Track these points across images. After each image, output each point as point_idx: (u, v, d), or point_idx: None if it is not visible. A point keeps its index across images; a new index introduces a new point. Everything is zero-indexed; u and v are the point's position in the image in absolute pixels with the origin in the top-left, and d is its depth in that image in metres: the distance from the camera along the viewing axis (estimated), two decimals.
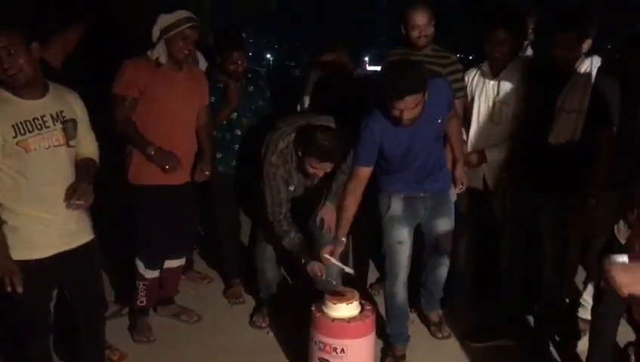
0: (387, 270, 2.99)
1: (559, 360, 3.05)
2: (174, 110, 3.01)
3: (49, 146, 2.23)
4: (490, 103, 3.10)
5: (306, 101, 3.57)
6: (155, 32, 2.95)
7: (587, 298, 3.09)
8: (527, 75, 3.00)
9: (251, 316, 3.44)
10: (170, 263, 3.32)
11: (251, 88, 3.51)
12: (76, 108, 2.37)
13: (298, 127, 2.88)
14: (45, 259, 2.30)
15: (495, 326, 3.19)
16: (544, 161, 2.81)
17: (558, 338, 3.17)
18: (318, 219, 3.11)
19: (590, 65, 2.74)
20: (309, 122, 2.87)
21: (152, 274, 3.20)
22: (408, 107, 2.50)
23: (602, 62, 2.77)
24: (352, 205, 2.74)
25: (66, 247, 2.35)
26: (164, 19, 2.94)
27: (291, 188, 2.99)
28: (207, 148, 3.22)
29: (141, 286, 3.19)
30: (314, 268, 2.89)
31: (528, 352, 3.05)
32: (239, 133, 3.46)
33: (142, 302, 3.22)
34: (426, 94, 2.55)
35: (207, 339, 3.23)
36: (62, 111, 2.29)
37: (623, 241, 2.38)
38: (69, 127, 2.30)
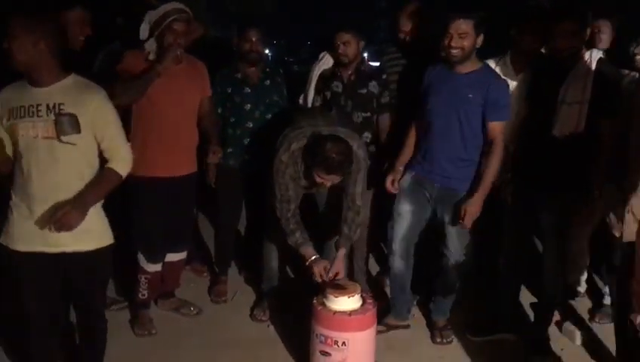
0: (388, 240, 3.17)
1: (560, 354, 3.06)
2: (174, 103, 2.99)
3: (36, 136, 2.17)
4: (514, 101, 3.07)
5: (310, 95, 3.55)
6: (144, 30, 2.93)
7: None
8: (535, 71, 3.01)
9: (252, 309, 3.44)
10: (171, 257, 3.31)
11: (268, 82, 3.49)
12: (91, 106, 2.21)
13: (314, 133, 2.81)
14: (24, 253, 2.26)
15: (496, 320, 3.19)
16: (549, 155, 2.81)
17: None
18: (331, 274, 2.93)
19: (590, 57, 2.74)
20: (323, 130, 2.81)
21: (154, 267, 3.19)
22: (458, 31, 2.76)
23: (603, 53, 2.78)
24: (412, 140, 3.09)
25: (46, 249, 2.25)
26: (151, 16, 2.93)
27: (303, 183, 2.96)
28: (212, 133, 3.21)
29: (143, 279, 3.18)
30: (318, 269, 2.89)
31: (529, 346, 3.05)
32: (251, 125, 3.43)
33: (143, 295, 3.22)
34: (479, 38, 2.81)
35: (208, 333, 3.22)
36: (61, 104, 2.17)
37: (617, 234, 2.38)
38: (63, 121, 2.16)
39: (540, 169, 2.86)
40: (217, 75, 3.46)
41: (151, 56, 2.94)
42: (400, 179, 3.10)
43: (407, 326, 3.28)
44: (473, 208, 2.86)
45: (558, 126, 2.73)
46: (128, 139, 2.95)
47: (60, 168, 2.21)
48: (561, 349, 3.09)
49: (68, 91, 2.21)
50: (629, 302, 2.33)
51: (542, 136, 2.80)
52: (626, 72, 2.95)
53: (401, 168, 3.11)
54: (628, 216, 2.23)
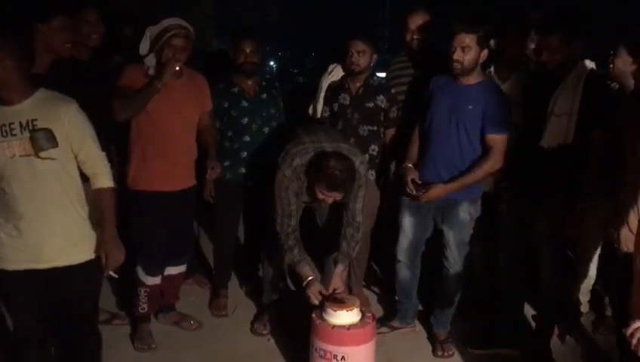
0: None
1: None
2: (173, 118, 3.00)
3: (13, 155, 2.13)
4: None
5: (319, 106, 3.54)
6: (144, 46, 2.94)
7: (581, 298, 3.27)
8: (524, 81, 3.03)
9: (252, 323, 3.43)
10: (170, 270, 3.31)
11: (264, 95, 3.49)
12: (65, 118, 2.18)
13: (317, 149, 2.80)
14: (15, 272, 2.22)
15: (496, 334, 3.17)
16: (538, 166, 2.81)
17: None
18: (330, 289, 2.92)
19: (582, 69, 2.73)
20: (326, 147, 2.80)
21: (153, 280, 3.19)
22: (461, 44, 2.82)
23: (595, 65, 2.78)
24: (416, 145, 3.14)
25: (38, 265, 2.24)
26: (151, 32, 2.94)
27: (304, 199, 2.95)
28: (211, 148, 3.21)
29: (142, 292, 3.19)
30: (313, 292, 2.85)
31: (531, 359, 3.03)
32: (248, 139, 3.43)
33: (143, 308, 3.22)
34: (483, 52, 2.86)
35: (208, 346, 3.22)
36: (34, 120, 2.14)
37: (625, 248, 2.36)
38: (40, 137, 2.13)
39: (532, 179, 2.86)
40: (214, 89, 3.44)
41: (151, 72, 2.95)
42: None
43: (413, 327, 3.38)
44: (434, 191, 2.93)
45: (546, 137, 2.75)
46: (127, 154, 3.00)
47: (42, 184, 2.19)
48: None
49: (39, 106, 2.17)
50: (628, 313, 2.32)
51: (532, 146, 2.80)
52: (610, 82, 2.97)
53: (412, 165, 3.09)
54: (624, 229, 2.22)
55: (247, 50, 3.35)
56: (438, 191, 2.94)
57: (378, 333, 3.07)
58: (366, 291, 3.76)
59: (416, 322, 3.41)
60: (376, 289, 3.84)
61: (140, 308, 3.22)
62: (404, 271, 3.24)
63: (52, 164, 2.19)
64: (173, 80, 2.92)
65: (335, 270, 2.95)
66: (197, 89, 3.16)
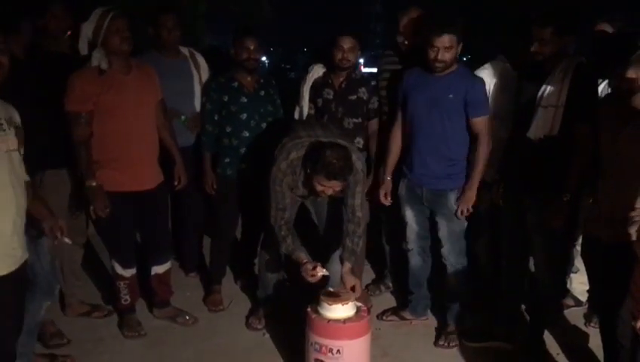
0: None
1: (556, 358, 3.05)
2: (132, 115, 2.98)
3: (7, 150, 2.12)
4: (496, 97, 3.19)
5: (305, 109, 3.57)
6: (84, 44, 2.89)
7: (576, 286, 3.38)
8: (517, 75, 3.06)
9: (247, 317, 3.44)
10: (156, 269, 3.35)
11: (262, 93, 3.51)
12: (17, 117, 2.23)
13: (312, 142, 2.81)
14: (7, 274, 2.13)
15: (493, 327, 3.19)
16: (526, 157, 2.84)
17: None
18: (348, 288, 2.84)
19: (570, 62, 2.76)
20: (323, 139, 2.81)
21: (130, 271, 3.24)
22: (444, 45, 2.87)
23: (583, 59, 2.81)
24: (397, 144, 3.22)
25: (24, 259, 2.23)
26: (87, 28, 2.88)
27: (300, 193, 2.96)
28: (174, 151, 3.30)
29: (122, 285, 3.23)
30: (306, 269, 2.82)
31: (525, 352, 3.05)
32: (247, 134, 3.45)
33: (126, 300, 3.26)
34: (459, 46, 2.94)
35: (204, 341, 3.23)
36: (11, 117, 2.18)
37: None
38: (20, 133, 2.18)
39: (521, 169, 2.89)
40: (213, 82, 3.49)
41: (102, 65, 2.87)
42: (399, 186, 3.24)
43: (425, 319, 3.42)
44: (465, 198, 3.04)
45: (533, 128, 2.77)
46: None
47: (19, 180, 2.18)
48: (557, 354, 3.09)
49: (1, 103, 2.18)
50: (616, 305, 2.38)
51: (520, 138, 2.83)
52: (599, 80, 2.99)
53: (389, 178, 3.26)
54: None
55: (251, 47, 3.38)
56: (468, 196, 3.04)
57: (387, 321, 3.41)
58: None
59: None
60: (388, 284, 3.86)
61: (122, 301, 3.27)
62: (415, 259, 3.31)
63: (20, 160, 2.21)
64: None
65: (344, 269, 2.91)
66: (148, 80, 3.12)
